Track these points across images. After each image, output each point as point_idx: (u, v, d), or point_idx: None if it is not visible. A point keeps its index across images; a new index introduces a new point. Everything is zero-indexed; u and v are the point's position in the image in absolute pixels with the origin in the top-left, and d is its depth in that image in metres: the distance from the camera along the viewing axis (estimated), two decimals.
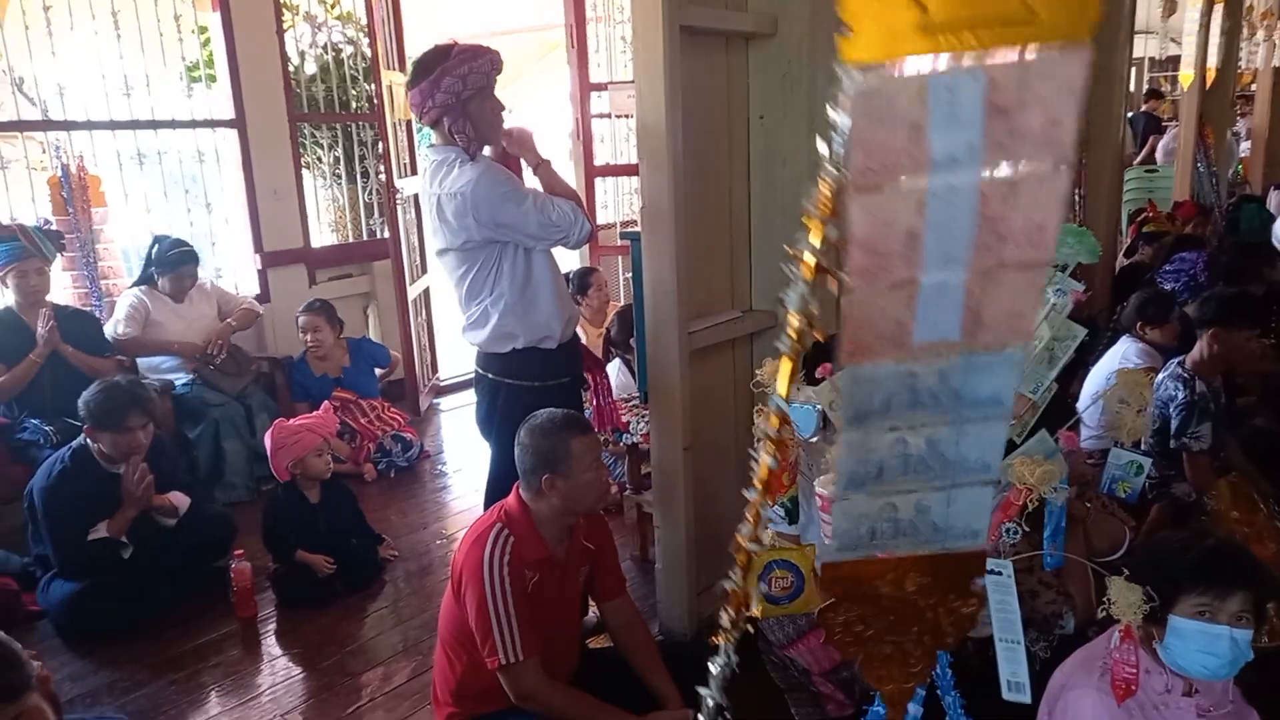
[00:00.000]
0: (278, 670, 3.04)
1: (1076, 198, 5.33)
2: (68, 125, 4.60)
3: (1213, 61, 7.17)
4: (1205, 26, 6.75)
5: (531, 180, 2.85)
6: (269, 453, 3.54)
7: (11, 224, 4.10)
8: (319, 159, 6.07)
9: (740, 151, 3.16)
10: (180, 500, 3.47)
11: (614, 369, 4.31)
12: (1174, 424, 3.22)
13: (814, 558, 1.76)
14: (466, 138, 2.63)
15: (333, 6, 6.01)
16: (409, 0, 5.49)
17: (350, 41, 5.98)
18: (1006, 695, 1.63)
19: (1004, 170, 0.82)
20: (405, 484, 4.64)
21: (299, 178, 5.35)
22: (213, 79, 5.23)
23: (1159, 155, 10.20)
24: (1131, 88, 11.33)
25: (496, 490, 2.79)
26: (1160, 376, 3.44)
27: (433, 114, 2.63)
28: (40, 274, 4.02)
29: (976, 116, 0.80)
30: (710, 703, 1.19)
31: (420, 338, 5.75)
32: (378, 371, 5.10)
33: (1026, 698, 1.64)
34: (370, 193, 6.11)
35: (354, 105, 5.95)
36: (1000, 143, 0.81)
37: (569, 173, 5.85)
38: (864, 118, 0.81)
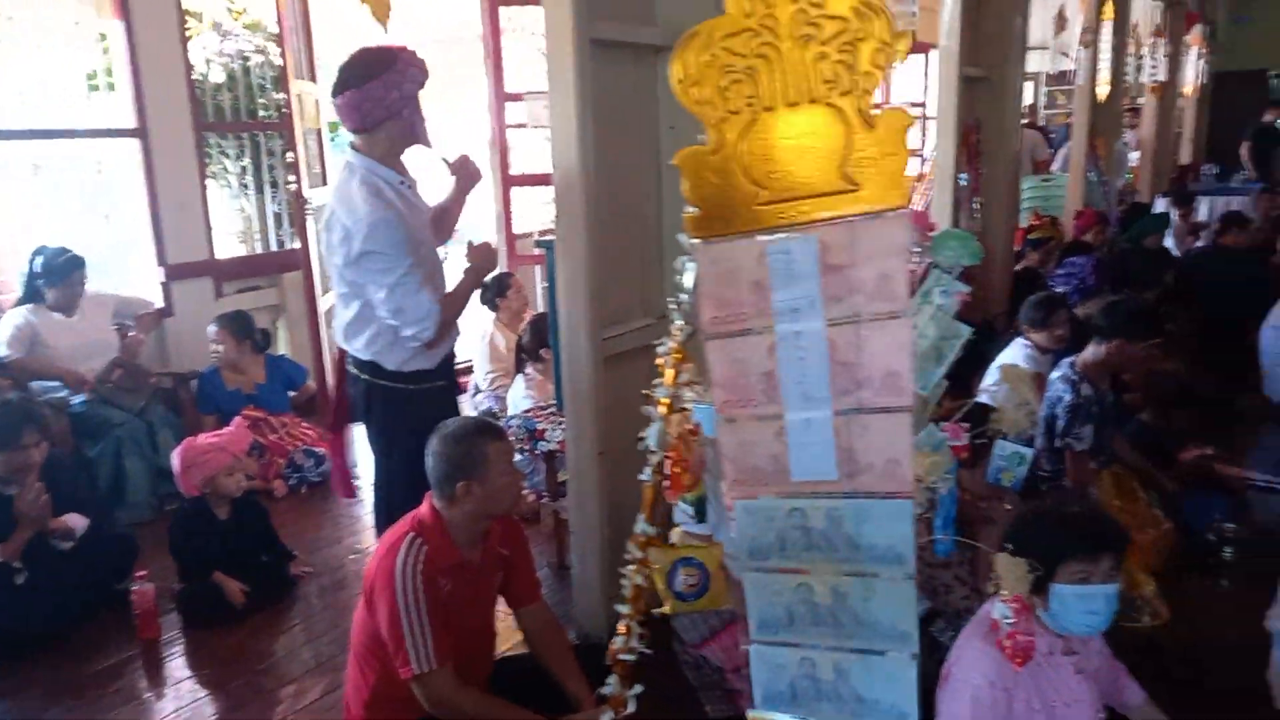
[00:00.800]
0: (184, 693, 2.95)
1: (975, 205, 5.57)
2: None
3: (1107, 75, 7.58)
4: (1093, 44, 7.13)
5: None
6: (178, 471, 3.45)
7: None
8: (225, 169, 5.94)
9: (651, 161, 3.22)
10: (77, 522, 3.35)
11: (519, 383, 4.33)
12: (1059, 424, 3.39)
13: (721, 556, 1.81)
14: (392, 141, 2.64)
15: (239, 14, 5.89)
16: (319, 8, 5.41)
17: (259, 50, 5.87)
18: None
19: (847, 319, 0.94)
20: (317, 499, 4.55)
21: (204, 188, 5.22)
22: (112, 87, 5.07)
23: (1055, 165, 10.71)
24: (1030, 100, 11.88)
25: (385, 491, 2.85)
26: (1052, 376, 3.61)
27: (366, 120, 2.61)
28: None
29: (813, 273, 0.93)
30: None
31: (332, 350, 5.65)
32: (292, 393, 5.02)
33: None
34: (279, 203, 5.99)
35: (262, 114, 5.83)
36: (838, 296, 0.94)
37: (485, 182, 5.84)
38: (712, 278, 0.94)
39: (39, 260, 4.30)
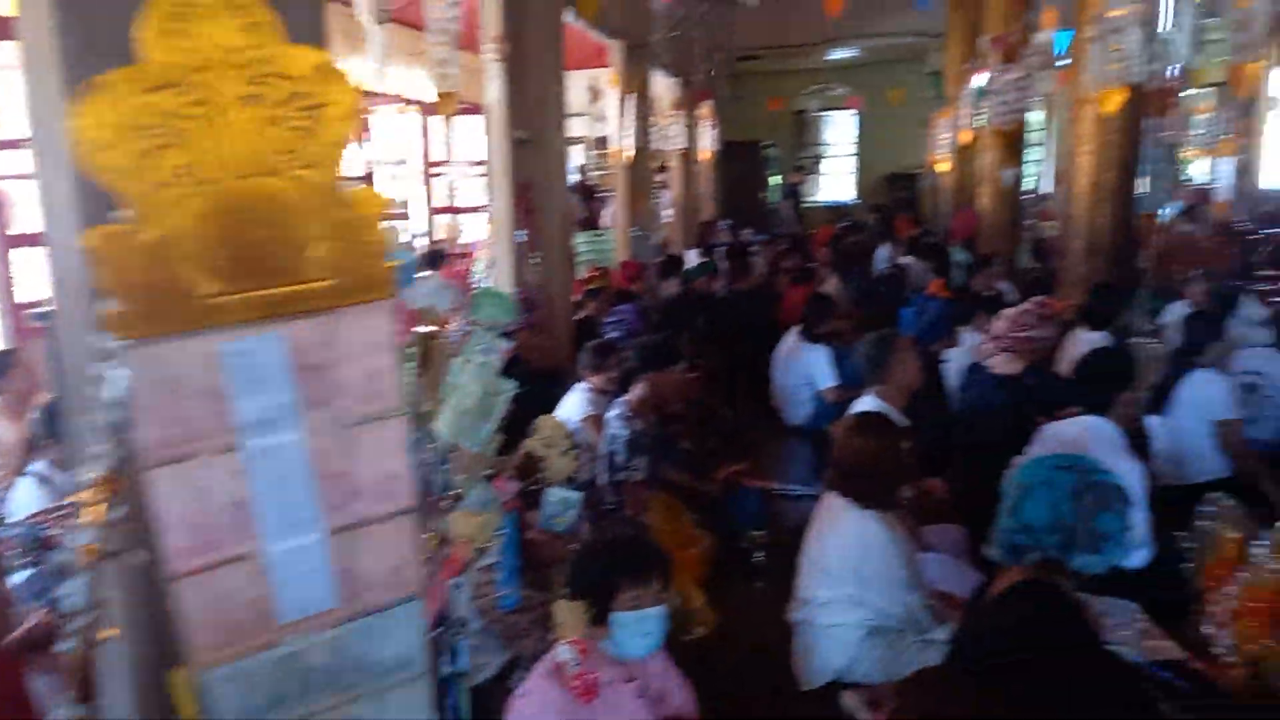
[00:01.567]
0: None
1: (534, 260, 5.86)
2: None
3: (635, 142, 8.50)
4: (622, 113, 7.97)
5: None
6: None
7: None
8: None
9: None
10: None
11: (25, 484, 3.60)
12: (619, 459, 3.68)
13: None
14: None
15: None
16: None
17: None
18: None
19: (333, 425, 0.81)
20: None
21: None
22: None
23: (605, 220, 11.81)
24: (580, 160, 12.97)
25: None
26: (608, 416, 3.93)
27: None
28: None
29: (284, 377, 0.78)
30: None
31: None
32: None
33: None
34: None
35: None
36: (320, 400, 0.82)
37: None
38: (149, 388, 0.75)
39: None
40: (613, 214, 11.07)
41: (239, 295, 0.70)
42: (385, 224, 0.84)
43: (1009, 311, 4.07)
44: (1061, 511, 2.03)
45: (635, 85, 8.34)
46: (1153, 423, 4.17)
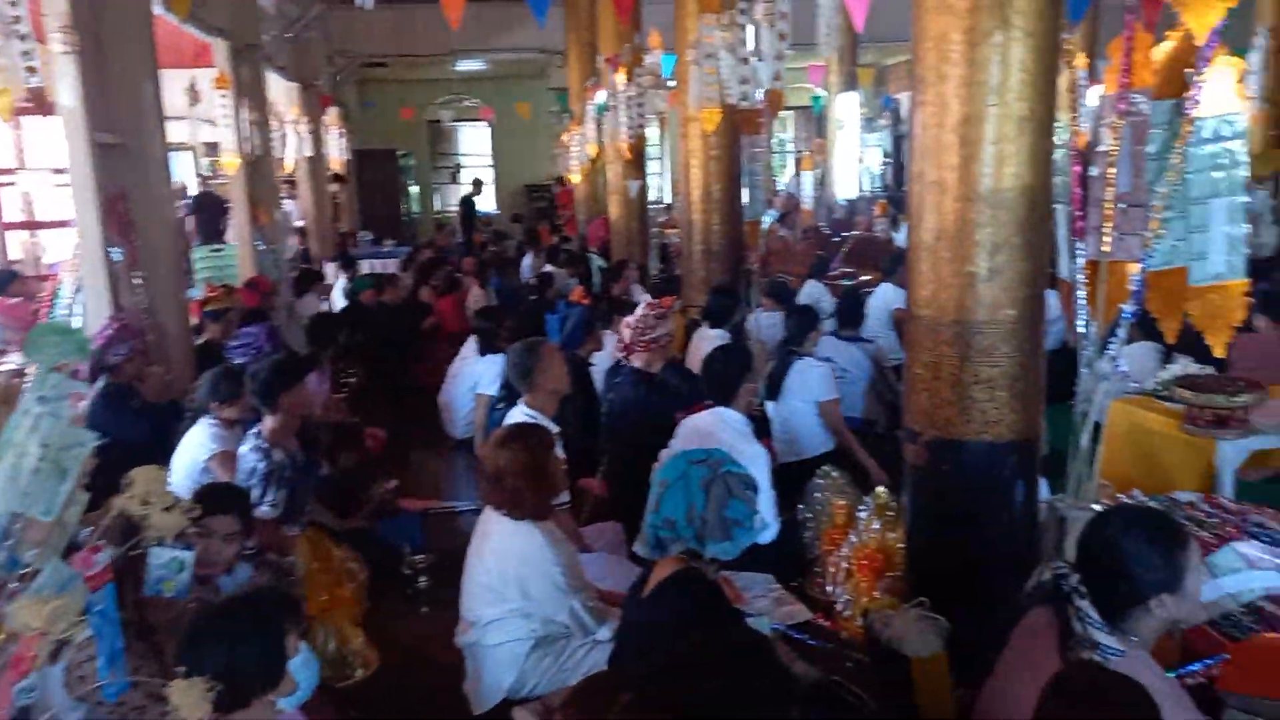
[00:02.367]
0: None
1: (136, 280, 5.12)
2: None
3: (252, 149, 7.80)
4: (234, 117, 7.28)
5: None
6: None
7: None
8: None
9: None
10: None
11: None
12: (254, 494, 3.32)
13: None
14: None
15: None
16: None
17: None
18: None
19: None
20: None
21: None
22: None
23: (231, 235, 10.74)
24: (201, 170, 11.68)
25: None
26: (242, 450, 3.53)
27: None
28: None
29: None
30: None
31: None
32: None
33: None
34: None
35: None
36: None
37: None
38: None
39: None
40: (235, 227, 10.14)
41: None
42: None
43: (630, 319, 4.29)
44: (696, 504, 2.15)
45: (248, 88, 7.66)
46: (769, 408, 4.63)
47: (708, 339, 4.91)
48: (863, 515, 3.20)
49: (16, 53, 3.77)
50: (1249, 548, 2.59)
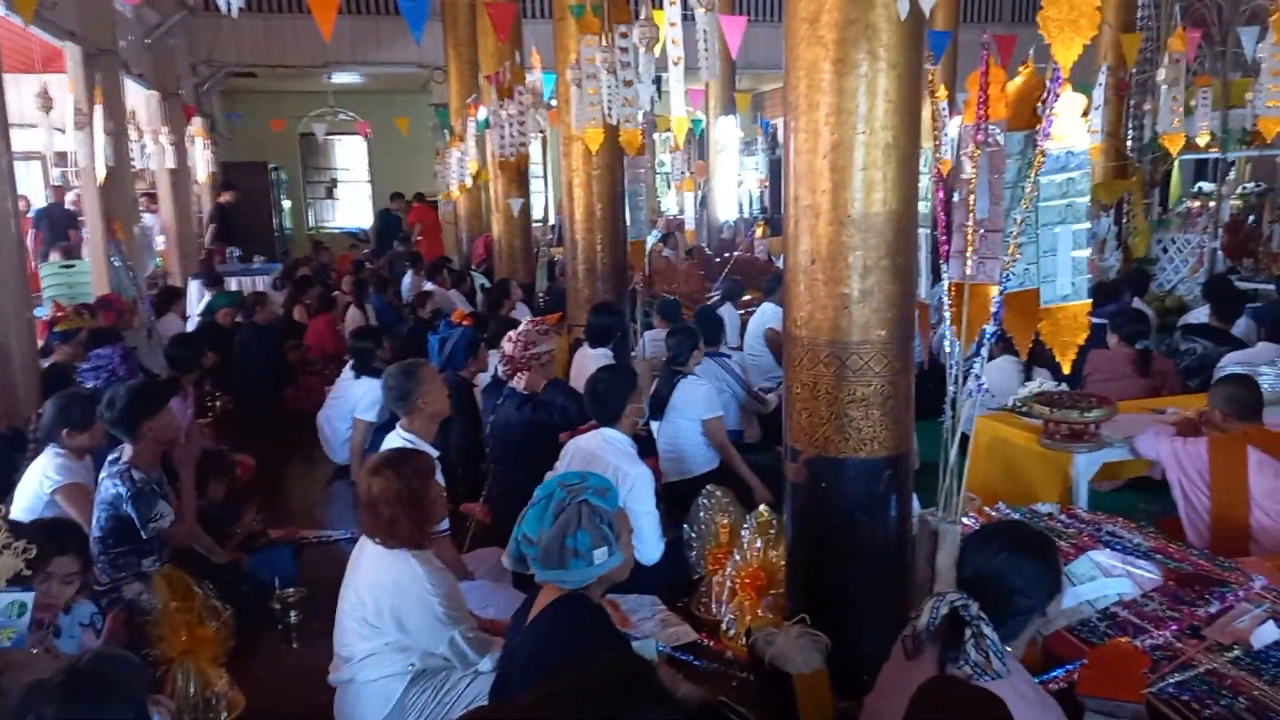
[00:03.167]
0: None
1: None
2: None
3: (107, 160, 7.34)
4: (88, 126, 6.84)
5: None
6: None
7: None
8: None
9: None
10: None
11: None
12: (136, 519, 3.17)
13: None
14: None
15: None
16: None
17: None
18: None
19: None
20: None
21: None
22: None
23: (85, 250, 10.07)
24: (54, 180, 10.90)
25: None
26: (102, 478, 3.33)
27: None
28: None
29: None
30: None
31: None
32: None
33: None
34: None
35: None
36: None
37: None
38: None
39: None
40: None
41: None
42: None
43: (512, 334, 4.25)
44: (544, 525, 2.13)
45: (103, 96, 7.22)
46: (654, 427, 4.65)
47: (590, 358, 4.89)
48: (746, 534, 3.23)
49: None
50: (1103, 556, 2.74)
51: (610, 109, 4.74)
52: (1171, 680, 2.21)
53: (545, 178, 15.87)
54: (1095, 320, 5.40)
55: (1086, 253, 2.96)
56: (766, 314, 6.51)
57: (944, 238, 2.96)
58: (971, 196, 2.89)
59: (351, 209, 17.82)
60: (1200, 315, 6.36)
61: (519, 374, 4.16)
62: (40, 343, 5.79)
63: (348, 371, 5.44)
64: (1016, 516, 3.21)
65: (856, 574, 2.83)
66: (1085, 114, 2.90)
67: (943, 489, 3.03)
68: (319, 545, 4.40)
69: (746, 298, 7.98)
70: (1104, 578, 2.62)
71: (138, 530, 3.27)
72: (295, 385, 6.94)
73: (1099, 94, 7.98)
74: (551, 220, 13.91)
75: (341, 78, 14.27)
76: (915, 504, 3.23)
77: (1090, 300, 2.97)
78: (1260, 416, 3.47)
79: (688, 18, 3.99)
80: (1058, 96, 2.66)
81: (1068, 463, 3.74)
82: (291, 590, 3.63)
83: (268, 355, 7.04)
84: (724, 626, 3.07)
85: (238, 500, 4.43)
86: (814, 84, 2.60)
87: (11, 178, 5.35)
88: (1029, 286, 2.84)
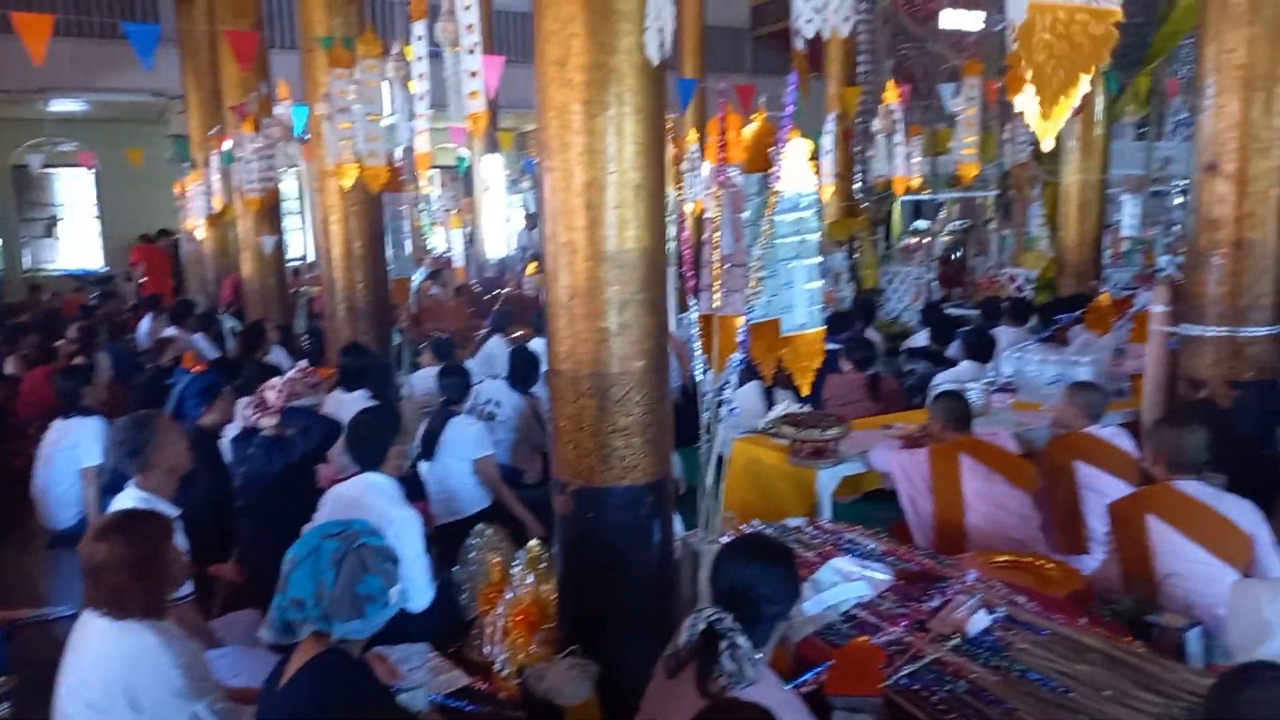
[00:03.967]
0: None
1: None
2: None
3: None
4: None
5: None
6: None
7: None
8: None
9: None
10: None
11: None
12: None
13: None
14: None
15: None
16: None
17: None
18: None
19: None
20: None
21: None
22: None
23: None
24: None
25: None
26: None
27: None
28: None
29: None
30: None
31: None
32: None
33: None
34: None
35: None
36: None
37: None
38: None
39: None
40: None
41: None
42: None
43: (276, 381, 4.02)
44: (325, 581, 2.04)
45: None
46: (423, 468, 4.54)
47: (346, 403, 4.67)
48: (517, 570, 3.22)
49: None
50: (844, 562, 2.98)
51: (364, 145, 4.63)
52: (904, 672, 2.43)
53: (303, 214, 15.14)
54: (831, 347, 5.93)
55: (820, 285, 3.24)
56: (538, 350, 6.55)
57: (690, 273, 3.13)
58: (716, 234, 3.08)
59: (77, 249, 16.03)
60: (921, 339, 7.12)
61: (265, 417, 3.92)
62: None
63: (56, 422, 4.87)
64: (770, 531, 3.42)
65: (623, 600, 2.90)
66: (813, 158, 3.19)
67: (702, 511, 3.18)
68: (36, 625, 3.89)
69: (519, 333, 7.99)
70: (845, 582, 2.84)
71: None
72: (4, 445, 6.12)
73: (828, 140, 8.78)
74: (311, 258, 13.26)
75: (62, 105, 12.90)
76: (679, 527, 3.36)
77: (825, 328, 3.26)
78: (970, 426, 3.93)
79: (436, 55, 3.98)
80: (785, 141, 2.91)
81: (813, 478, 4.05)
82: (3, 679, 3.19)
83: None
84: (497, 667, 3.03)
85: None
86: (565, 125, 2.68)
87: None
88: (770, 317, 3.07)
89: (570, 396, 2.86)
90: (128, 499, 3.11)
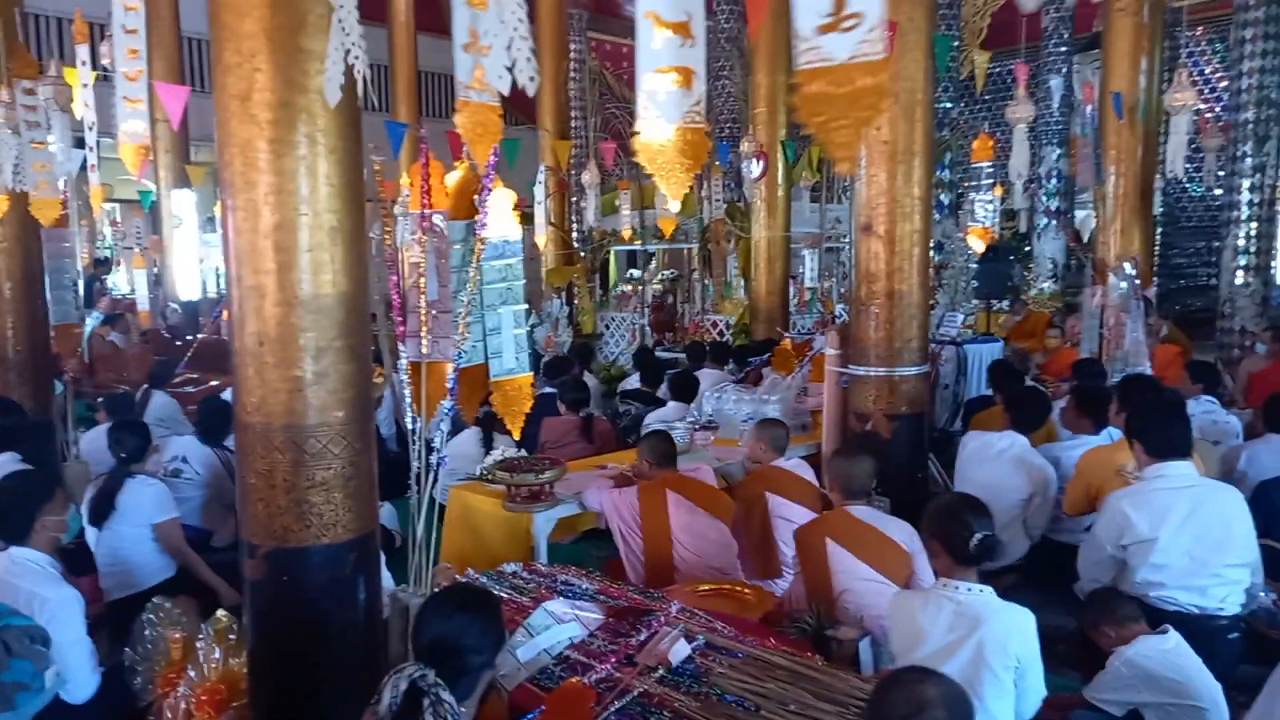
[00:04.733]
0: None
1: None
2: None
3: None
4: None
5: None
6: None
7: None
8: None
9: None
10: None
11: None
12: None
13: None
14: None
15: None
16: None
17: None
18: None
19: None
20: None
21: None
22: None
23: None
24: None
25: None
26: None
27: None
28: None
29: None
30: None
31: None
32: None
33: None
34: None
35: None
36: None
37: None
38: None
39: None
40: None
41: None
42: None
43: None
44: None
45: None
46: (91, 537, 4.00)
47: None
48: (202, 645, 2.91)
49: None
50: (556, 605, 3.00)
51: (17, 173, 4.06)
52: (613, 708, 2.47)
53: None
54: (549, 390, 6.02)
55: (525, 330, 3.28)
56: None
57: (399, 319, 3.06)
58: (422, 280, 3.03)
59: None
60: (634, 382, 7.44)
61: None
62: None
63: None
64: (484, 580, 3.38)
65: (327, 665, 2.72)
66: (516, 207, 3.24)
67: (412, 564, 3.08)
68: None
69: (214, 383, 7.31)
70: (557, 625, 2.86)
71: None
72: None
73: (540, 190, 9.00)
74: None
75: None
76: (389, 582, 3.22)
77: (532, 372, 3.30)
78: (675, 463, 4.15)
79: (106, 78, 3.60)
80: (489, 190, 2.94)
81: (529, 522, 4.06)
82: None
83: None
84: None
85: None
86: (250, 162, 2.52)
87: None
88: (477, 361, 3.06)
89: (261, 451, 2.66)
90: None
